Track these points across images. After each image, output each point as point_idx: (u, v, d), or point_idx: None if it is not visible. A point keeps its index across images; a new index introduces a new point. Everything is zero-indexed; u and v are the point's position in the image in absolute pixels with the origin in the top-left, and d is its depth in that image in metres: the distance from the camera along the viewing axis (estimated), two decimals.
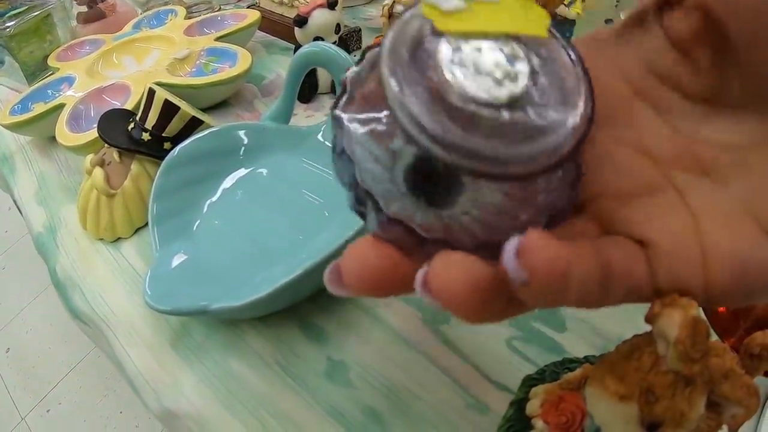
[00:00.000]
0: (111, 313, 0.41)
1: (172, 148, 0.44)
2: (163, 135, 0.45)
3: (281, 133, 0.45)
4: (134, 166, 0.45)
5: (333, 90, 0.58)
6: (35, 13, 0.69)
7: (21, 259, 1.49)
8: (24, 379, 1.24)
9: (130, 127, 0.46)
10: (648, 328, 0.21)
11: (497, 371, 0.34)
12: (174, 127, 0.45)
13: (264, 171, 0.44)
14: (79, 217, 0.47)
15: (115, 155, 0.45)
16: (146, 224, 0.47)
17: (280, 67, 0.63)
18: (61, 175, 0.57)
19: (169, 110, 0.44)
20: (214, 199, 0.42)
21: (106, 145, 0.46)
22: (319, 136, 0.45)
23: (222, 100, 0.58)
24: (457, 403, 0.33)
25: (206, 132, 0.43)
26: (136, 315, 0.40)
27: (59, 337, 1.30)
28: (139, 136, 0.45)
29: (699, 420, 0.20)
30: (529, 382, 0.32)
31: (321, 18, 0.51)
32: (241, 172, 0.44)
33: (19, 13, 0.68)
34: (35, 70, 0.71)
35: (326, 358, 0.36)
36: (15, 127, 0.57)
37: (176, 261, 0.37)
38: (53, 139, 0.60)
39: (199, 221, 0.41)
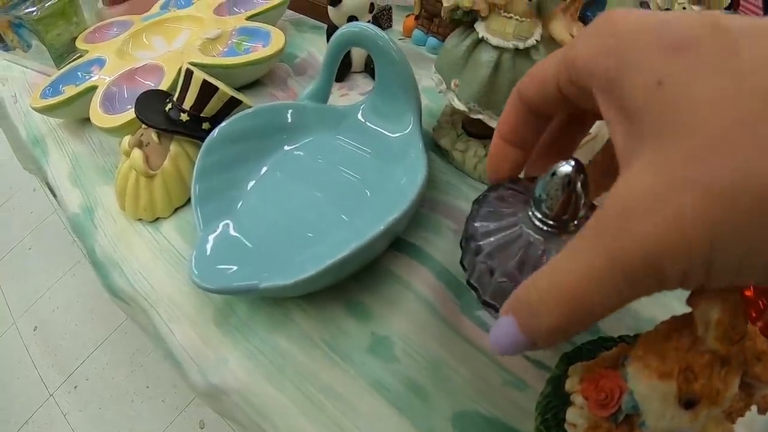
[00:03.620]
0: (152, 291, 0.42)
1: (210, 129, 0.44)
2: (201, 115, 0.45)
3: (320, 112, 0.45)
4: (173, 147, 0.45)
5: (366, 69, 0.58)
6: None
7: (47, 239, 1.52)
8: (51, 357, 1.27)
9: (167, 108, 0.46)
10: (680, 310, 0.23)
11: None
12: (212, 107, 0.45)
13: (305, 150, 0.44)
14: (117, 197, 0.48)
15: (154, 136, 0.45)
16: (185, 204, 0.47)
17: (312, 46, 0.63)
18: (95, 156, 0.57)
19: (207, 91, 0.44)
20: (256, 178, 0.42)
21: (142, 126, 0.46)
22: (359, 116, 0.45)
23: (256, 79, 0.58)
24: (496, 380, 0.34)
25: (246, 112, 0.43)
26: (178, 293, 0.41)
27: (85, 315, 1.32)
28: (178, 116, 0.45)
29: (733, 399, 0.21)
30: (567, 359, 0.32)
31: None
32: (282, 151, 0.44)
33: None
34: (62, 52, 0.72)
35: (370, 334, 0.37)
36: (47, 110, 0.57)
37: (220, 240, 0.37)
38: (84, 120, 0.61)
39: (242, 200, 0.41)
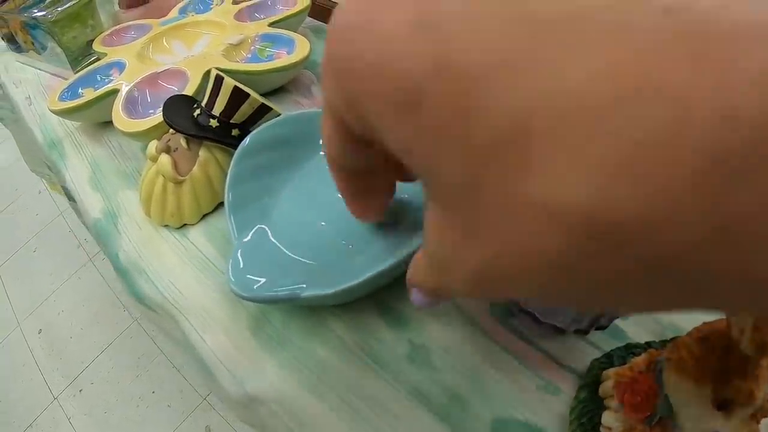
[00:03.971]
0: (182, 298, 0.42)
1: (240, 135, 0.44)
2: (231, 122, 0.45)
3: None
4: (202, 153, 0.45)
5: None
6: None
7: (52, 242, 1.51)
8: (56, 360, 1.26)
9: (195, 114, 0.46)
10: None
11: (565, 355, 0.36)
12: (242, 113, 0.45)
13: None
14: (142, 203, 0.48)
15: (182, 142, 0.45)
16: (213, 210, 0.47)
17: None
18: (116, 160, 0.57)
19: (238, 97, 0.44)
20: (289, 186, 0.42)
21: (170, 131, 0.46)
22: None
23: (279, 86, 0.58)
24: (530, 385, 0.34)
25: (278, 120, 0.43)
26: (209, 300, 0.41)
27: (91, 319, 1.32)
28: (207, 122, 0.45)
29: (764, 399, 0.22)
30: (598, 365, 0.34)
31: None
32: (314, 159, 0.44)
33: None
34: (78, 55, 0.71)
35: (407, 341, 0.37)
36: (65, 113, 0.57)
37: (257, 248, 0.37)
38: (102, 124, 0.61)
39: (276, 209, 0.41)
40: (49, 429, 1.16)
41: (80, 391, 1.20)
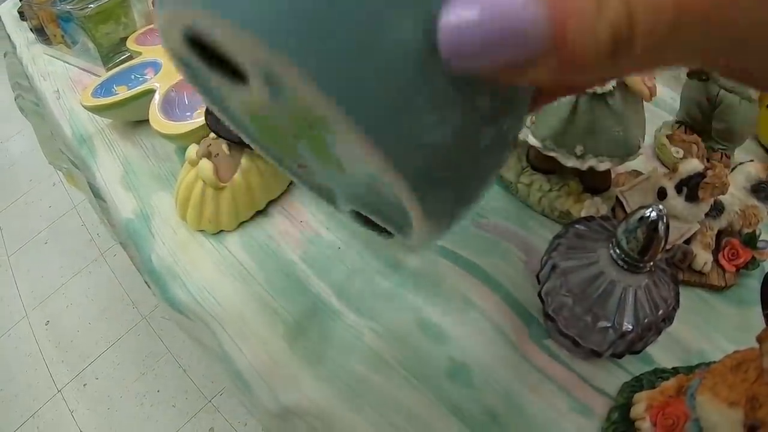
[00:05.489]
0: (219, 308, 0.41)
1: None
2: None
3: None
4: (244, 160, 0.44)
5: None
6: None
7: (64, 234, 1.51)
8: (62, 353, 1.25)
9: None
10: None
11: (596, 377, 0.36)
12: None
13: None
14: (178, 207, 0.47)
15: (224, 147, 0.45)
16: (250, 218, 0.46)
17: None
18: (149, 160, 0.56)
19: None
20: None
21: (210, 135, 0.46)
22: None
23: None
24: (563, 406, 0.35)
25: None
26: (247, 311, 0.41)
27: (99, 314, 1.31)
28: None
29: None
30: (629, 388, 0.35)
31: None
32: None
33: None
34: (109, 51, 0.71)
35: (448, 358, 0.37)
36: (99, 110, 0.57)
37: None
38: (133, 123, 0.60)
39: None
40: (51, 421, 1.15)
41: (84, 385, 1.19)
